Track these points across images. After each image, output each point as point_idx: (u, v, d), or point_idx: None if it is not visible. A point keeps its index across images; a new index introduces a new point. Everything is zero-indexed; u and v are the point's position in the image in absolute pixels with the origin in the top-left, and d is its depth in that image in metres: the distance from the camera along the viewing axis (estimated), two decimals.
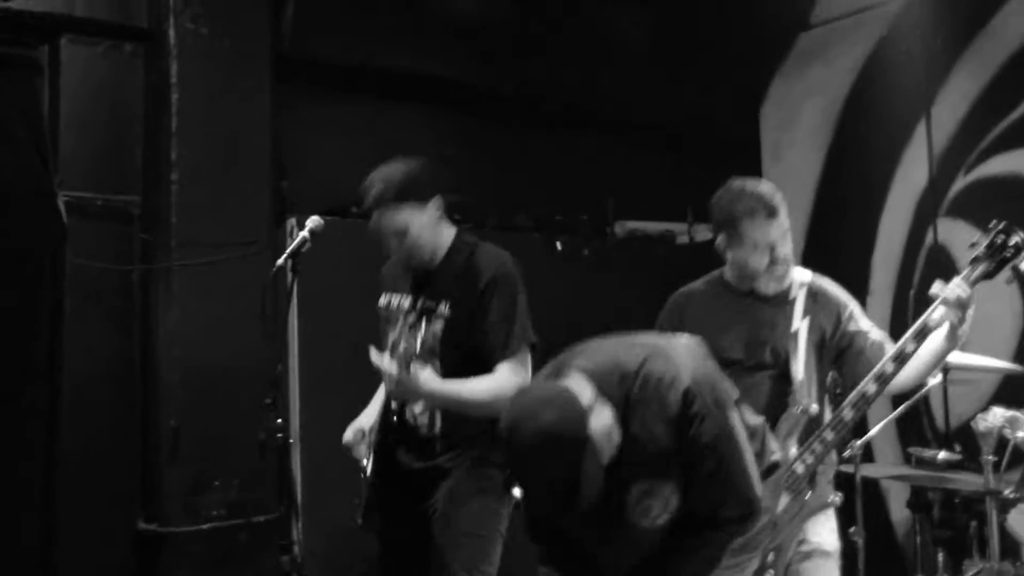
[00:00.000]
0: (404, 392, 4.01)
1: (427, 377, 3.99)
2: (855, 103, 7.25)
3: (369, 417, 4.50)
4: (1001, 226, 3.88)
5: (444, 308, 4.22)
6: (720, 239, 4.13)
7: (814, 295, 4.11)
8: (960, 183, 6.64)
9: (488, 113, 7.21)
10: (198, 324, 5.72)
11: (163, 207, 5.79)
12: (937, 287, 3.87)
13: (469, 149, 7.01)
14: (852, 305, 4.16)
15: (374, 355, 3.96)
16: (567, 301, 6.29)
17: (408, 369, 3.90)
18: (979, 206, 6.54)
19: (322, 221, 4.47)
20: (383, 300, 4.47)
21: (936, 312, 3.85)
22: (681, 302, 4.31)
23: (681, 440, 3.09)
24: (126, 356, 5.81)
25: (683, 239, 7.66)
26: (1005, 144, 6.49)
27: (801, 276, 4.16)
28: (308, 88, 6.62)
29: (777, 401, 4.02)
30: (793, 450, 3.94)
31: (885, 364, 3.84)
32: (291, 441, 4.37)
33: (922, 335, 3.85)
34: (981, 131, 6.59)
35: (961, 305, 3.84)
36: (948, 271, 6.43)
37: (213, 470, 5.67)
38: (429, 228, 4.25)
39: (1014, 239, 3.84)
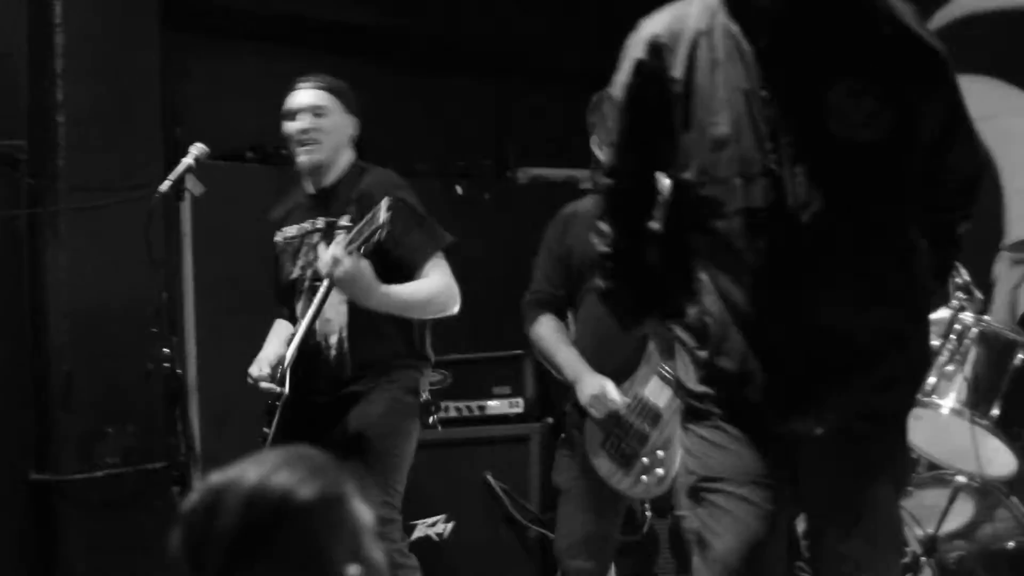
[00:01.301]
0: (353, 281, 3.96)
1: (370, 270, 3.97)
2: None
3: (272, 351, 4.41)
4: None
5: (346, 221, 4.23)
6: (593, 140, 4.16)
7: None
8: None
9: (387, 58, 7.12)
10: (88, 268, 5.58)
11: (50, 151, 5.64)
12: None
13: (367, 94, 6.86)
14: None
15: (332, 248, 3.95)
16: (467, 246, 6.24)
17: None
18: None
19: (207, 149, 4.41)
20: (278, 236, 4.44)
21: None
22: (566, 215, 4.40)
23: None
24: (15, 303, 5.67)
25: (586, 185, 7.62)
26: None
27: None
28: (203, 33, 6.49)
29: None
30: None
31: None
32: (179, 371, 4.27)
33: None
34: None
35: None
36: None
37: (107, 416, 5.54)
38: (340, 134, 4.35)
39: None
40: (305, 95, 4.36)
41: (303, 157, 4.33)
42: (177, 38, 6.23)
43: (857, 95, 2.50)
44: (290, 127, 4.35)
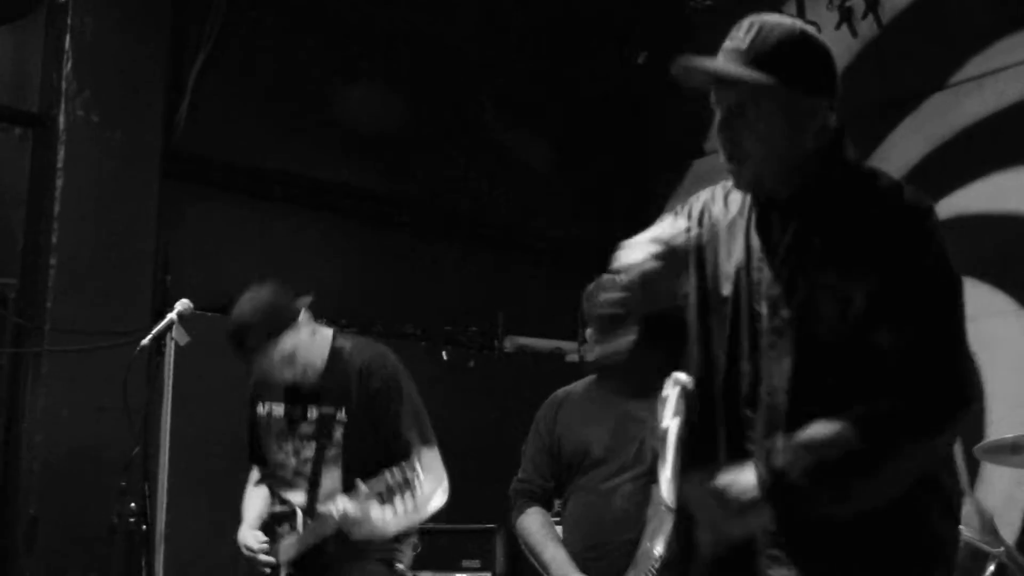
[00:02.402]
0: (368, 532, 3.99)
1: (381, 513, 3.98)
2: None
3: (256, 516, 4.36)
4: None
5: (341, 415, 4.20)
6: (588, 333, 4.13)
7: (687, 394, 4.09)
8: None
9: (379, 220, 7.22)
10: (65, 412, 5.57)
11: (39, 291, 5.69)
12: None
13: (358, 255, 7.00)
14: None
15: (339, 505, 3.97)
16: (449, 411, 6.24)
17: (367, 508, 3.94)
18: None
19: (191, 305, 4.42)
20: (262, 409, 4.38)
21: None
22: (558, 400, 4.36)
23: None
24: None
25: (572, 357, 7.66)
26: None
27: (675, 375, 4.14)
28: (197, 185, 6.59)
29: (644, 499, 3.99)
30: (659, 548, 3.89)
31: None
32: (144, 528, 4.21)
33: None
34: None
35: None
36: None
37: (70, 563, 5.46)
38: (308, 340, 4.21)
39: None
40: (265, 361, 4.16)
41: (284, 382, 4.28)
42: (175, 188, 6.33)
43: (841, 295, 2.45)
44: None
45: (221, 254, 6.56)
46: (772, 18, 2.57)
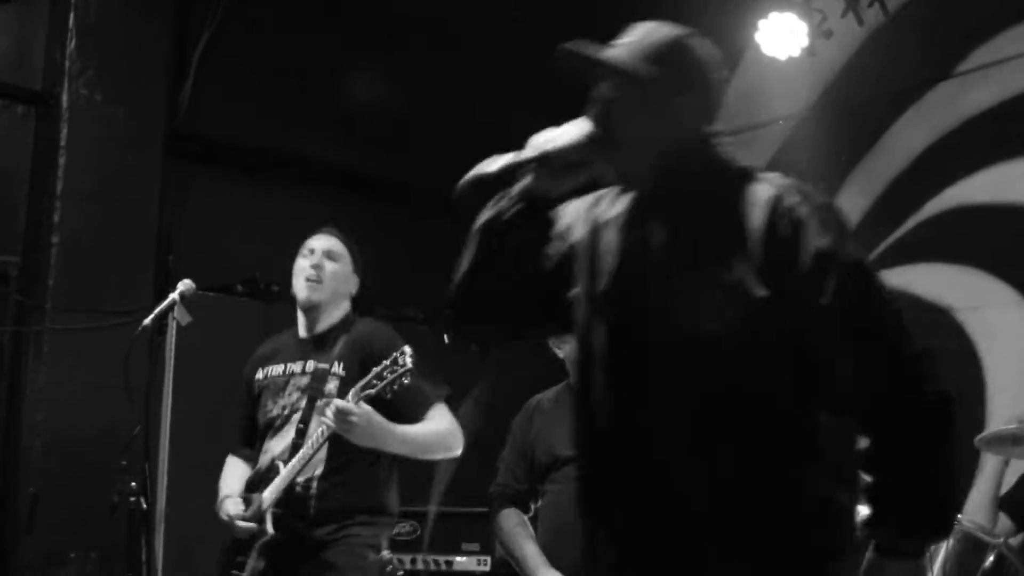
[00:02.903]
0: (366, 430, 3.99)
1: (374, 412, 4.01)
2: None
3: (236, 488, 4.38)
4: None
5: (338, 368, 4.25)
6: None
7: None
8: None
9: (382, 201, 7.21)
10: (66, 390, 5.58)
11: (41, 269, 5.69)
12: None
13: (361, 237, 6.98)
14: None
15: (338, 402, 3.98)
16: (451, 395, 6.25)
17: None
18: None
19: (194, 285, 4.42)
20: (259, 374, 4.43)
21: None
22: (531, 407, 4.50)
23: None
24: None
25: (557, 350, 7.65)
26: (891, 260, 6.60)
27: None
28: (200, 164, 6.59)
29: None
30: None
31: None
32: (145, 507, 4.22)
33: None
34: (868, 247, 6.68)
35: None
36: None
37: (71, 541, 5.48)
38: (344, 283, 4.44)
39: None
40: (325, 239, 4.46)
41: (303, 292, 4.37)
42: (178, 168, 6.33)
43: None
44: (301, 262, 4.41)
45: (224, 234, 6.56)
46: (662, 24, 2.62)
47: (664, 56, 2.53)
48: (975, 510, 4.81)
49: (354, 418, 3.95)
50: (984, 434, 4.80)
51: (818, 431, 2.35)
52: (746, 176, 2.49)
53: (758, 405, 2.33)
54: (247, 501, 4.26)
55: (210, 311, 5.53)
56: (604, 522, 2.51)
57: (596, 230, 2.62)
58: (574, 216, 2.71)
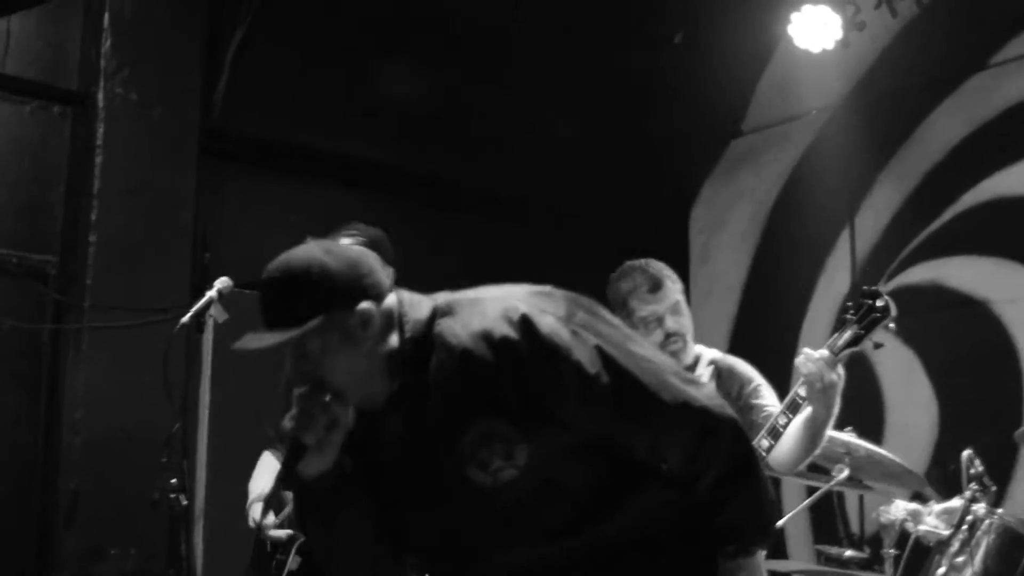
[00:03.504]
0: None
1: None
2: (782, 209, 7.33)
3: (264, 487, 4.39)
4: (868, 290, 3.77)
5: None
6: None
7: (719, 372, 4.07)
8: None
9: (416, 198, 7.22)
10: (106, 388, 5.62)
11: (79, 268, 5.73)
12: (800, 358, 3.63)
13: (395, 233, 6.98)
14: (759, 381, 4.04)
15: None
16: None
17: None
18: (900, 314, 6.59)
19: (231, 283, 4.41)
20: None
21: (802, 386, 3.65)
22: None
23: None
24: (31, 417, 5.69)
25: None
26: (926, 253, 6.58)
27: (709, 354, 4.13)
28: (236, 162, 6.61)
29: None
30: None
31: (760, 439, 3.74)
32: (184, 503, 4.23)
33: (793, 408, 3.66)
34: (903, 240, 6.68)
35: (818, 376, 3.57)
36: (868, 379, 6.51)
37: (110, 537, 5.52)
38: None
39: (880, 302, 3.71)
40: (350, 243, 4.29)
41: None
42: (213, 165, 6.36)
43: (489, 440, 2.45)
44: None
45: (259, 231, 6.58)
46: (288, 267, 2.56)
47: (314, 291, 2.48)
48: (1015, 504, 4.80)
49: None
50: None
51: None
52: (443, 319, 2.51)
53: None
54: (277, 501, 4.25)
55: (246, 308, 5.53)
56: None
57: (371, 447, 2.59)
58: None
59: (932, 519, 4.42)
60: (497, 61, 7.23)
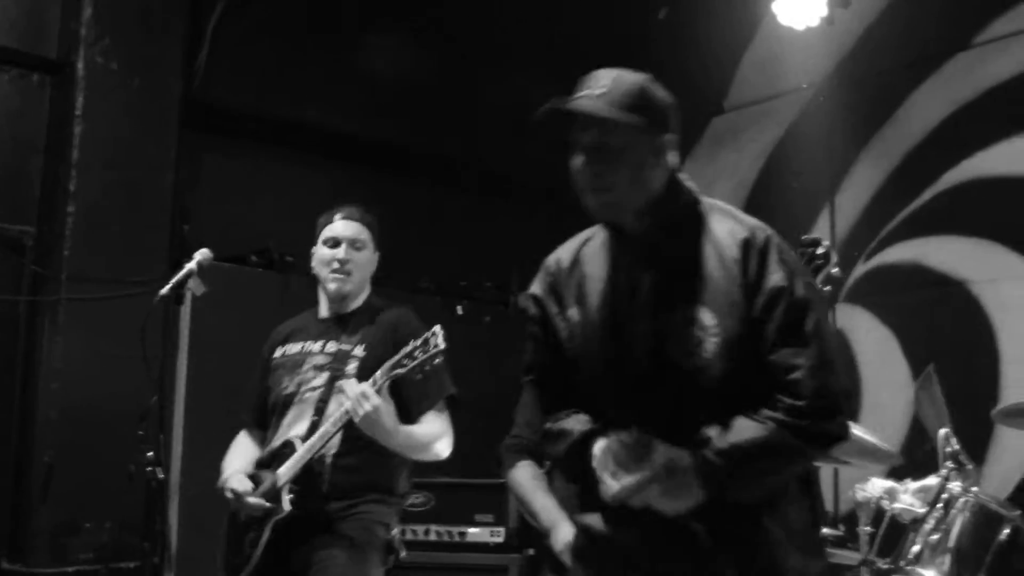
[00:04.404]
0: (377, 420, 3.96)
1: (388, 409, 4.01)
2: (763, 187, 7.34)
3: (242, 465, 4.36)
4: (809, 239, 3.75)
5: (359, 350, 4.23)
6: None
7: None
8: (860, 270, 6.72)
9: (398, 172, 7.20)
10: (82, 360, 5.59)
11: (57, 239, 5.69)
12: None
13: (376, 207, 6.95)
14: None
15: (361, 385, 3.97)
16: (463, 367, 6.24)
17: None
18: (878, 293, 6.62)
19: (210, 254, 4.40)
20: (277, 352, 4.41)
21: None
22: None
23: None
24: (6, 389, 5.66)
25: None
26: (906, 233, 6.59)
27: None
28: (216, 134, 6.57)
29: None
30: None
31: None
32: (161, 477, 4.22)
33: None
34: (883, 219, 6.69)
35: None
36: (847, 358, 6.53)
37: (85, 511, 5.50)
38: (369, 268, 4.44)
39: (820, 249, 3.72)
40: (349, 227, 4.40)
41: (334, 285, 4.35)
42: (193, 137, 6.31)
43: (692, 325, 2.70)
44: (327, 253, 4.37)
45: (238, 204, 6.55)
46: (622, 71, 2.82)
47: (638, 101, 2.75)
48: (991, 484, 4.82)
49: (369, 406, 3.95)
50: (1001, 407, 4.80)
51: None
52: (716, 212, 2.80)
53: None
54: (255, 479, 4.25)
55: (224, 281, 5.53)
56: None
57: (587, 267, 2.90)
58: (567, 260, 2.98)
59: (908, 497, 4.44)
60: (482, 34, 7.20)
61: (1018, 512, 4.48)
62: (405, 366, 3.97)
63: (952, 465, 4.37)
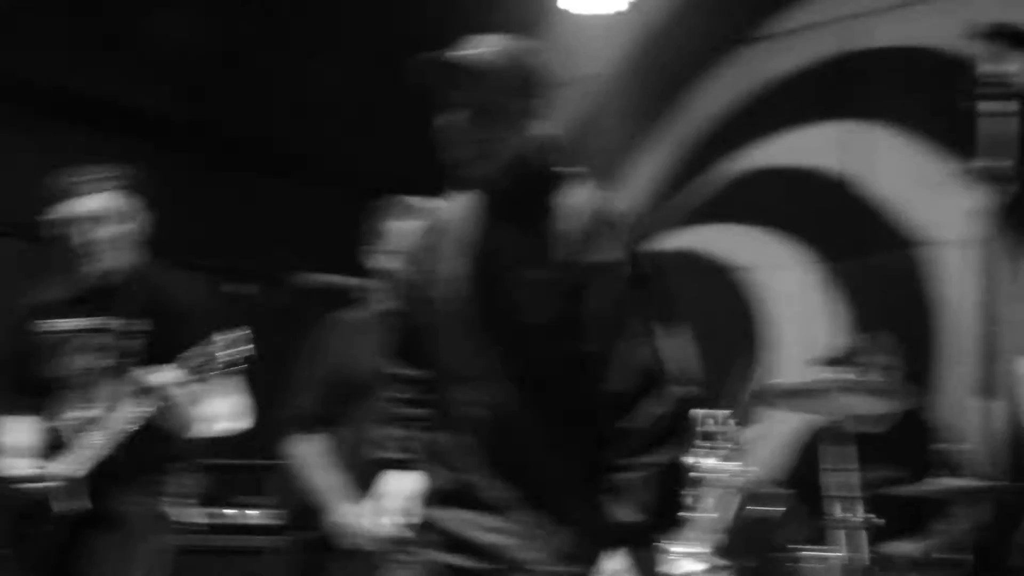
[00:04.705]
0: (182, 410, 3.90)
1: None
2: None
3: (20, 447, 4.18)
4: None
5: (144, 325, 4.09)
6: None
7: None
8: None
9: (170, 146, 6.98)
10: None
11: None
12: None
13: (146, 181, 6.78)
14: None
15: (169, 374, 3.85)
16: None
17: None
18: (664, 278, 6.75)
19: None
20: (44, 325, 4.22)
21: None
22: (339, 325, 4.40)
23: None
24: None
25: (360, 295, 7.56)
26: (688, 220, 6.74)
27: None
28: None
29: None
30: None
31: None
32: None
33: None
34: (665, 207, 6.82)
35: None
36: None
37: None
38: (122, 240, 4.18)
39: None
40: (87, 202, 4.12)
41: (81, 263, 4.15)
42: None
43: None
44: (71, 231, 4.11)
45: (16, 175, 6.29)
46: (501, 36, 2.97)
47: (515, 64, 2.88)
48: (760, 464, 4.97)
49: (170, 400, 3.85)
50: (764, 388, 4.96)
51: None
52: (576, 180, 2.88)
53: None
54: (38, 465, 4.07)
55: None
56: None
57: (448, 228, 2.97)
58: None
59: None
60: (260, 4, 7.07)
61: (783, 492, 4.65)
62: (206, 370, 3.89)
63: (722, 445, 4.50)
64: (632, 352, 2.76)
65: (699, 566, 4.39)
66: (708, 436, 4.51)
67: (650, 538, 2.78)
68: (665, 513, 2.81)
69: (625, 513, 2.71)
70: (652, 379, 2.77)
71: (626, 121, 7.02)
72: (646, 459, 2.72)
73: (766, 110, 6.60)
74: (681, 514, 3.09)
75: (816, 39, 6.43)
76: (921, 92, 5.90)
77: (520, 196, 2.87)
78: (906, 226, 6.01)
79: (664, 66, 6.96)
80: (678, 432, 2.80)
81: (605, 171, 7.08)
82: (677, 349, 2.85)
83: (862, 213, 6.14)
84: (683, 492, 2.96)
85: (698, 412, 4.56)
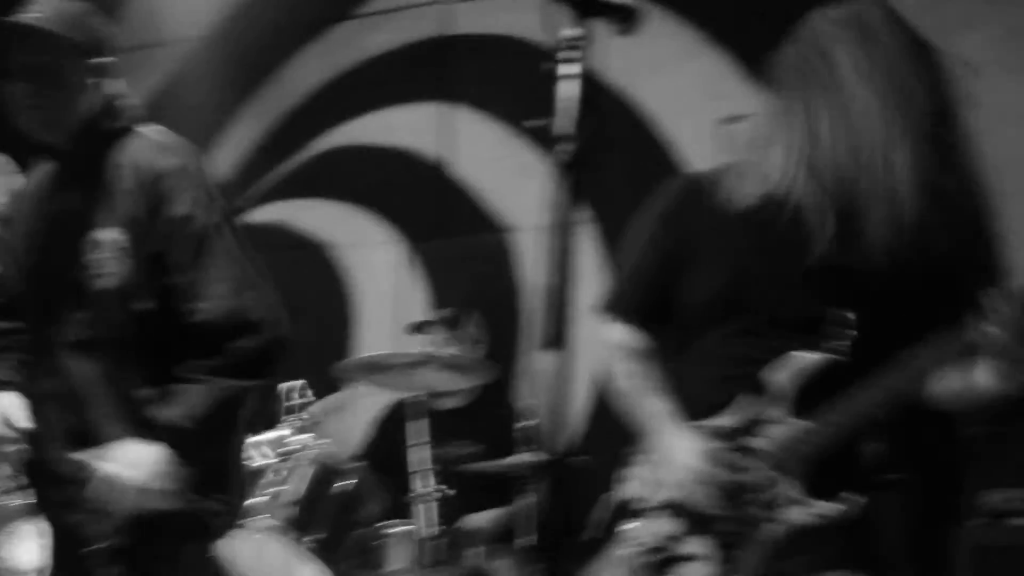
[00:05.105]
0: None
1: None
2: None
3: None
4: None
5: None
6: None
7: None
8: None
9: None
10: None
11: None
12: None
13: None
14: None
15: None
16: None
17: None
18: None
19: None
20: None
21: None
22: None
23: None
24: None
25: None
26: (276, 194, 6.66)
27: None
28: None
29: None
30: None
31: None
32: None
33: None
34: (254, 179, 6.71)
35: None
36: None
37: None
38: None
39: None
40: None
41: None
42: None
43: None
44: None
45: None
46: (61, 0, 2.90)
47: (76, 24, 2.83)
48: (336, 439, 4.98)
49: None
50: (347, 362, 4.98)
51: None
52: (143, 139, 2.88)
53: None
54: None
55: None
56: None
57: (28, 189, 2.98)
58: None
59: (259, 448, 4.47)
60: None
61: (359, 466, 4.68)
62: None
63: (300, 418, 4.47)
64: (220, 293, 2.78)
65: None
66: (288, 410, 4.47)
67: (193, 446, 2.74)
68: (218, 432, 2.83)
69: (170, 414, 2.72)
70: (239, 320, 2.79)
71: (217, 89, 6.84)
72: (214, 378, 2.75)
73: (358, 88, 6.60)
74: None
75: (411, 20, 6.47)
76: (509, 78, 6.04)
77: (85, 158, 2.85)
78: (492, 210, 6.17)
79: (259, 36, 6.83)
80: (257, 369, 2.82)
81: (195, 137, 6.88)
82: (265, 297, 2.88)
83: (453, 195, 6.25)
84: (241, 420, 2.87)
85: (280, 386, 4.50)
